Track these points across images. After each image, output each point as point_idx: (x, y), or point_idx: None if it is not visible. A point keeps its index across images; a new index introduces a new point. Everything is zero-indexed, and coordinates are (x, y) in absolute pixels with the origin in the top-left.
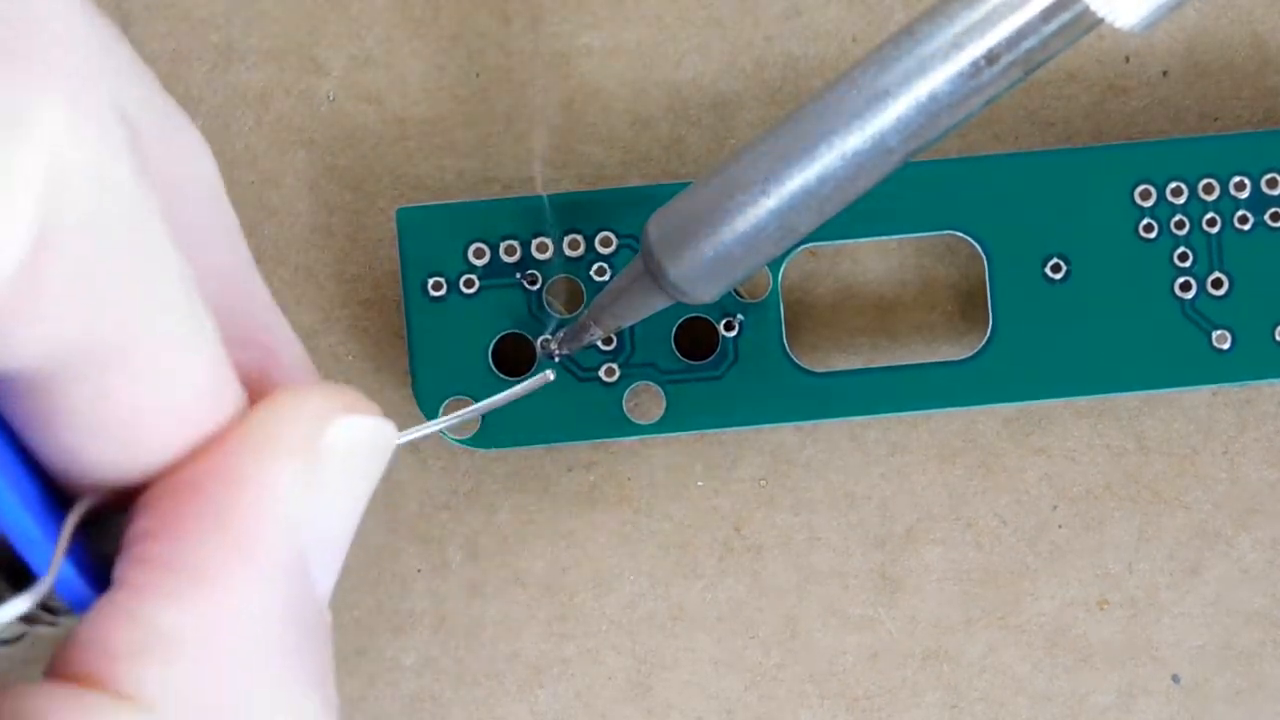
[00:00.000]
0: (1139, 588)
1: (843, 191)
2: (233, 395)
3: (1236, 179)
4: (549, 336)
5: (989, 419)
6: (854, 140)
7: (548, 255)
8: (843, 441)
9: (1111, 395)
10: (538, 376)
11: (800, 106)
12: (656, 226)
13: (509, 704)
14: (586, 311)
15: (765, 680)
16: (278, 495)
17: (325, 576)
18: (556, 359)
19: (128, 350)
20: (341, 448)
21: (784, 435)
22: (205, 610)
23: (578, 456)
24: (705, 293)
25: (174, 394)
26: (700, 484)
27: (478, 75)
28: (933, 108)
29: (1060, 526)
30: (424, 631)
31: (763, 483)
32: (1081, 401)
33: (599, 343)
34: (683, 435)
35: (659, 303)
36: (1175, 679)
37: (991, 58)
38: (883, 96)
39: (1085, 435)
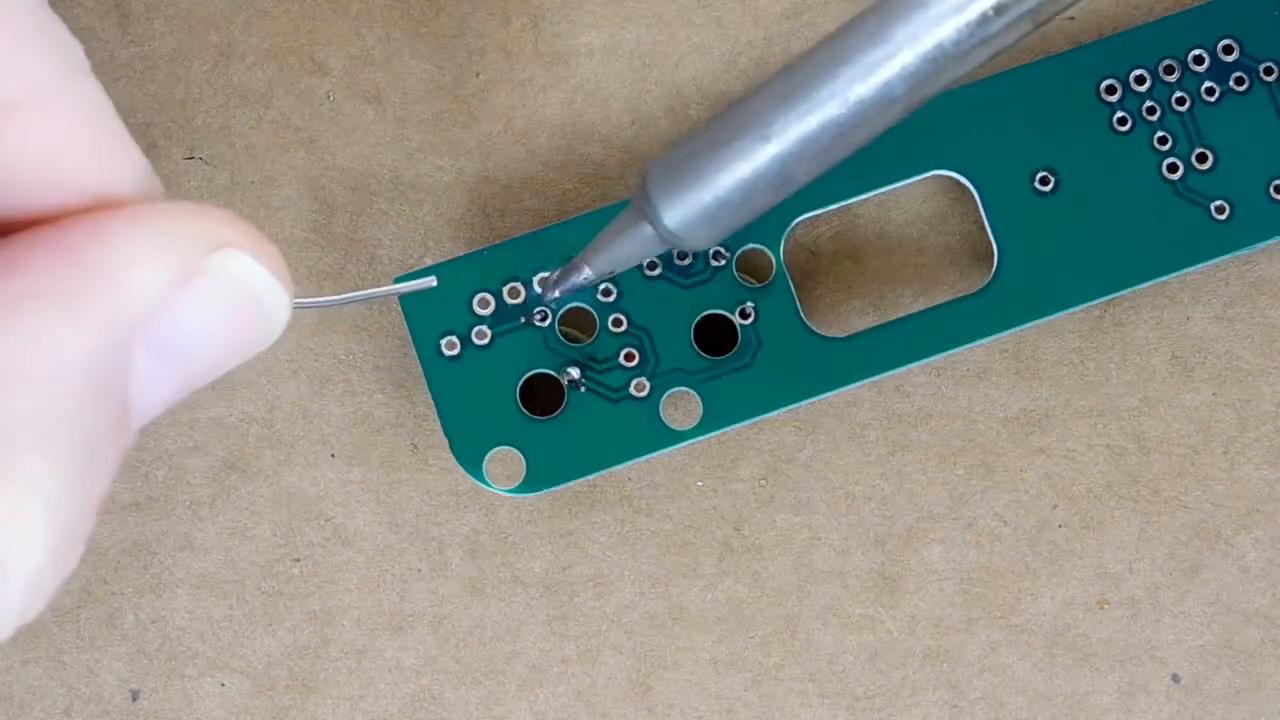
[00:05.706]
0: (1139, 588)
1: (845, 140)
2: (132, 167)
3: (1194, 53)
4: (543, 277)
5: (989, 419)
6: (859, 88)
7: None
8: (843, 441)
9: (1111, 395)
10: (419, 280)
11: (805, 53)
12: (653, 171)
13: (509, 704)
14: (579, 254)
15: (765, 680)
16: (130, 270)
17: (147, 388)
18: (550, 301)
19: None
20: (223, 276)
21: (784, 435)
22: (4, 329)
23: None
24: (700, 239)
25: (58, 142)
26: (700, 484)
27: (478, 75)
28: (940, 57)
29: (1060, 526)
30: (424, 631)
31: (763, 483)
32: (1081, 401)
33: (597, 291)
34: None
35: (653, 249)
36: (1175, 679)
37: (1000, 9)
38: (890, 44)
39: (1085, 435)
